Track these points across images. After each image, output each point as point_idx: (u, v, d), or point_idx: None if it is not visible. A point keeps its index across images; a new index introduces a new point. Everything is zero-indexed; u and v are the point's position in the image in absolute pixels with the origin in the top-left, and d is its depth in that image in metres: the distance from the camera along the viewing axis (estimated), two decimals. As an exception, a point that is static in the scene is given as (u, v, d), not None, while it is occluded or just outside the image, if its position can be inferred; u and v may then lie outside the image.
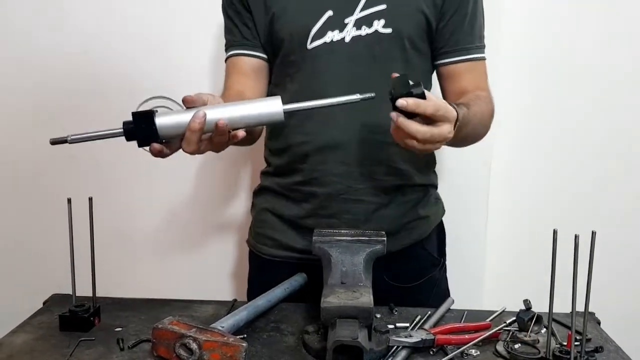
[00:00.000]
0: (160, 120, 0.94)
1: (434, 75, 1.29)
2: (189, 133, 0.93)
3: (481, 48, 1.25)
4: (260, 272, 1.36)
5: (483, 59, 1.25)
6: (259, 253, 1.34)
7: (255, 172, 1.74)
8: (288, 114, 0.98)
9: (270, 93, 1.29)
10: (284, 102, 0.98)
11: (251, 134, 1.25)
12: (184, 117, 0.94)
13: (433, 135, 0.94)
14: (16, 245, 1.76)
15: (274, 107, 0.96)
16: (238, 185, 1.76)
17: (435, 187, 1.36)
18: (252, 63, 1.27)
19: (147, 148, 0.96)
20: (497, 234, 1.74)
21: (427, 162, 1.32)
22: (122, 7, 1.64)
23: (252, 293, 1.32)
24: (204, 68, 1.63)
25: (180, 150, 0.98)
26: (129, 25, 1.64)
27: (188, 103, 0.95)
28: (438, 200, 1.36)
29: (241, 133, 0.97)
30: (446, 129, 0.95)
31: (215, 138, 0.95)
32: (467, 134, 1.11)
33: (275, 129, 1.30)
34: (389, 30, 1.17)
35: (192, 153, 0.96)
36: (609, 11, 1.64)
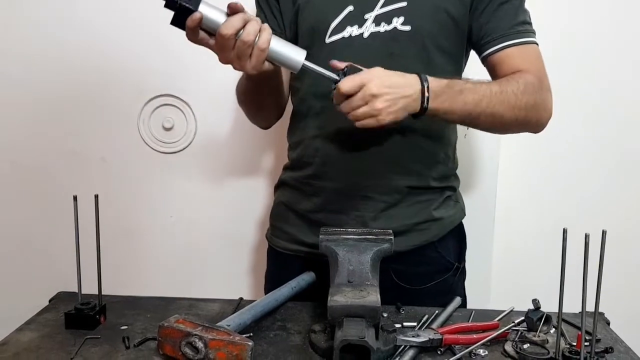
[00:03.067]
0: (205, 5, 0.97)
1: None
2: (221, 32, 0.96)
3: (524, 33, 1.17)
4: (275, 265, 1.38)
5: (529, 42, 1.18)
6: (274, 246, 1.36)
7: (270, 169, 1.74)
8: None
9: (290, 84, 1.31)
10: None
11: (277, 105, 1.30)
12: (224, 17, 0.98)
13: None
14: (22, 243, 1.76)
15: (298, 55, 1.02)
16: (248, 183, 1.75)
17: (454, 189, 1.32)
18: None
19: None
20: (505, 231, 1.73)
21: (446, 165, 1.28)
22: (129, 3, 1.63)
23: (268, 287, 1.34)
24: (212, 66, 1.62)
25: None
26: (136, 22, 1.63)
27: (232, 9, 0.98)
28: (457, 203, 1.32)
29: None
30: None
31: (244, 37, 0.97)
32: (465, 109, 1.08)
33: (292, 123, 1.32)
34: (407, 28, 1.15)
35: (224, 59, 1.00)
36: (618, 9, 1.63)
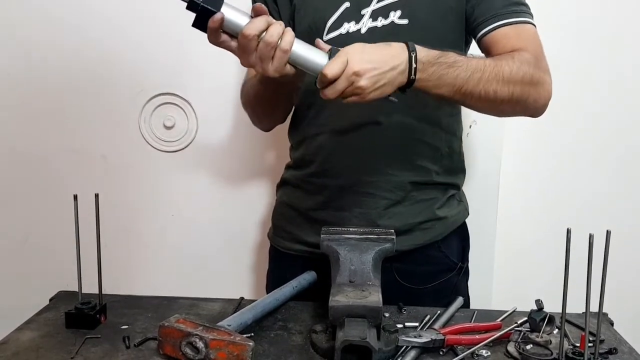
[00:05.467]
0: (227, 7, 0.95)
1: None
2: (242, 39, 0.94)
3: (519, 13, 1.14)
4: (277, 265, 1.37)
5: (524, 22, 1.14)
6: (276, 246, 1.35)
7: (272, 168, 1.74)
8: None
9: None
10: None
11: (286, 108, 1.28)
12: (246, 19, 0.96)
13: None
14: (22, 242, 1.76)
15: (321, 59, 0.98)
16: (249, 182, 1.75)
17: (458, 187, 1.31)
18: None
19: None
20: (507, 231, 1.72)
21: (451, 160, 1.28)
22: (131, 1, 1.63)
23: (270, 287, 1.34)
24: (213, 65, 1.62)
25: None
26: (138, 20, 1.63)
27: (256, 11, 0.96)
28: (461, 202, 1.32)
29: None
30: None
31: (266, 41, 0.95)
32: (456, 83, 1.02)
33: (294, 122, 1.31)
34: (405, 22, 1.15)
35: (246, 61, 0.97)
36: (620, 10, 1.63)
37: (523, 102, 1.10)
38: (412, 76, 0.99)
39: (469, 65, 1.03)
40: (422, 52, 1.00)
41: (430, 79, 1.01)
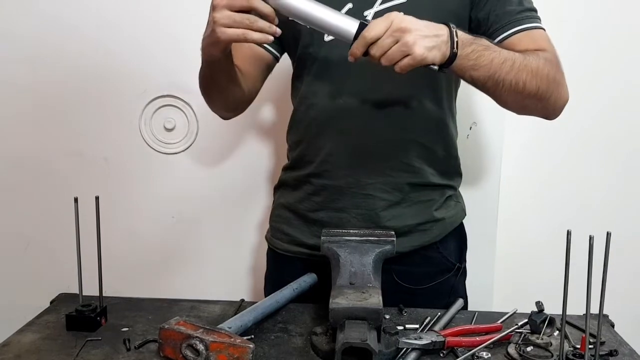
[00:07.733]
0: None
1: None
2: None
3: (532, 19, 1.16)
4: (275, 267, 1.37)
5: (535, 28, 1.16)
6: (274, 248, 1.35)
7: (270, 170, 1.74)
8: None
9: (291, 85, 1.31)
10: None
11: (234, 93, 1.26)
12: None
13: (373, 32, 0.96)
14: (23, 244, 1.76)
15: (350, 26, 0.99)
16: (249, 184, 1.75)
17: (455, 188, 1.32)
18: (256, 50, 1.29)
19: None
20: (508, 232, 1.72)
21: (448, 162, 1.28)
22: (131, 4, 1.63)
23: (268, 289, 1.33)
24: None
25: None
26: (138, 23, 1.63)
27: None
28: (458, 203, 1.32)
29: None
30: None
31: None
32: (492, 67, 1.03)
33: (293, 123, 1.31)
34: None
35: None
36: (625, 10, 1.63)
37: (546, 99, 1.11)
38: (455, 49, 1.00)
39: (501, 52, 1.05)
40: (460, 31, 1.02)
41: (470, 58, 1.02)
